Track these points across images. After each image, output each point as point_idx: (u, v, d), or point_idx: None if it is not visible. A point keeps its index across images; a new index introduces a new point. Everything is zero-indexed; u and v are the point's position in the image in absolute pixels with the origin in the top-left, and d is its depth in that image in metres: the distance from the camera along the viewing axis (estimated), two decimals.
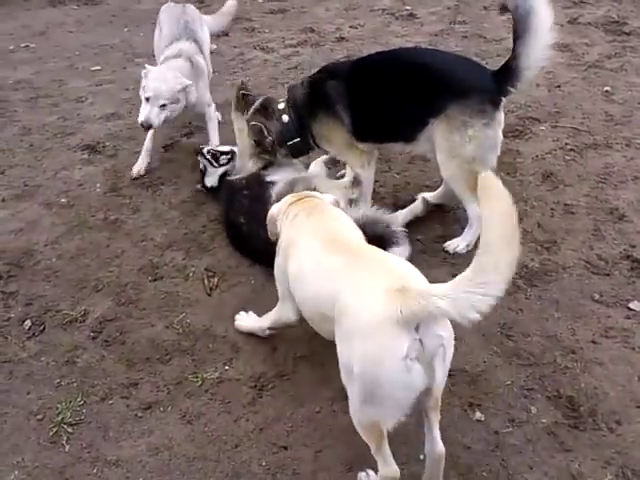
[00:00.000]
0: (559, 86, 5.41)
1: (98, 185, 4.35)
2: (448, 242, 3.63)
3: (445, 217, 3.86)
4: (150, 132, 4.44)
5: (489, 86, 3.35)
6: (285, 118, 3.59)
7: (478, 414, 2.66)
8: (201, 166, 4.09)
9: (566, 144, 4.55)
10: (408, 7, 7.37)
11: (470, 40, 6.44)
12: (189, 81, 4.27)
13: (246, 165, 3.73)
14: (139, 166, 4.43)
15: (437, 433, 2.28)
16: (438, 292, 1.99)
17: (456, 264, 3.48)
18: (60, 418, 2.75)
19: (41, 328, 3.22)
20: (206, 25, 5.11)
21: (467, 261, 3.43)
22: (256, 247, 3.37)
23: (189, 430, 2.69)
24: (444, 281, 3.26)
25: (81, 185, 4.36)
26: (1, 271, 3.59)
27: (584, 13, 6.97)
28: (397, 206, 3.92)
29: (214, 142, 4.54)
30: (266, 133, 3.55)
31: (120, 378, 2.93)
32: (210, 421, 2.72)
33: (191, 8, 5.05)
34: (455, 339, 2.94)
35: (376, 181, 4.17)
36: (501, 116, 3.43)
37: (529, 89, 5.33)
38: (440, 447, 2.29)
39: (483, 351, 2.95)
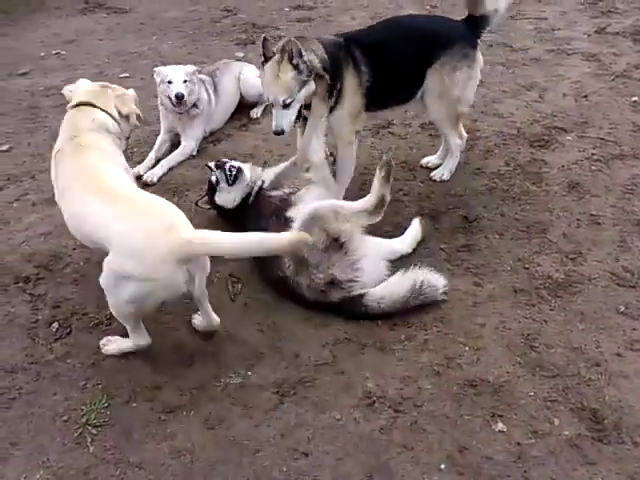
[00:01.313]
0: (586, 96, 5.38)
1: None
2: (434, 172, 4.35)
3: (469, 227, 3.84)
4: (158, 141, 4.88)
5: (467, 34, 3.97)
6: (321, 48, 3.60)
7: (500, 425, 2.65)
8: (213, 179, 3.87)
9: (592, 154, 4.52)
10: None
11: (496, 49, 6.42)
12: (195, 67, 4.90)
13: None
14: (153, 174, 4.58)
15: (209, 307, 3.08)
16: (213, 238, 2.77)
17: (479, 273, 3.48)
18: (85, 420, 2.79)
19: (68, 331, 3.27)
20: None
21: (491, 270, 3.47)
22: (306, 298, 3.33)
23: (211, 434, 2.71)
24: (467, 292, 3.30)
25: None
26: (30, 274, 3.66)
27: (612, 23, 6.93)
28: (422, 215, 3.93)
29: (147, 165, 4.69)
30: (306, 51, 3.46)
31: (144, 381, 2.97)
32: (232, 426, 2.74)
33: (237, 65, 5.61)
34: (478, 349, 2.98)
35: (400, 189, 4.22)
36: (480, 56, 4.05)
37: (556, 99, 5.31)
38: (215, 318, 3.11)
39: (506, 362, 2.94)
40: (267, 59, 3.50)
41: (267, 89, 3.57)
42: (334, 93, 3.68)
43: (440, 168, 4.35)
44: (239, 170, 3.81)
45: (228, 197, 3.82)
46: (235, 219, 3.81)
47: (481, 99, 5.39)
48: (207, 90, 5.01)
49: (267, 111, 5.41)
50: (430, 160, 4.51)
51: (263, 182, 3.83)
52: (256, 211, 3.69)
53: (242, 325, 3.25)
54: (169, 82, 4.67)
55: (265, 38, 3.52)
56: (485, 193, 4.16)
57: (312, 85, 3.55)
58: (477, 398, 2.77)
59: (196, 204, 4.02)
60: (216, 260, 3.65)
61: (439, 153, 4.49)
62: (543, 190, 4.16)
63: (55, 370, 3.06)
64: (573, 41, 6.55)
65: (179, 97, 4.63)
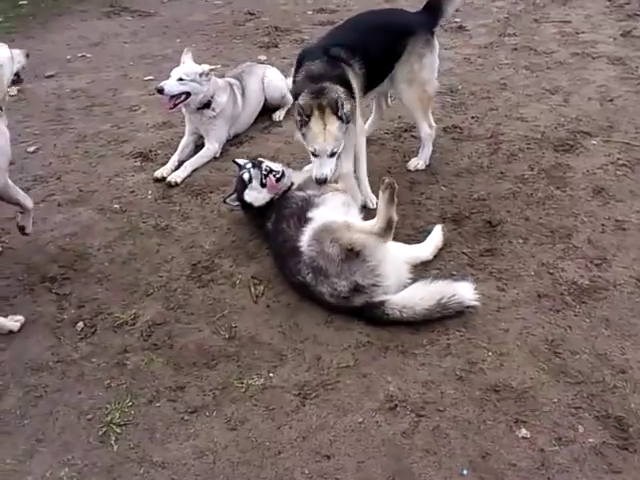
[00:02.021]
0: (611, 100, 5.33)
1: (150, 192, 4.45)
2: (409, 162, 4.55)
3: (492, 232, 3.82)
4: (181, 143, 4.89)
5: (427, 22, 4.28)
6: (338, 87, 3.74)
7: (524, 431, 2.63)
8: (246, 177, 3.84)
9: (618, 159, 4.47)
10: (457, 19, 7.36)
11: (520, 52, 6.39)
12: (211, 66, 4.87)
13: None
14: (177, 175, 4.60)
15: None
16: None
17: (503, 278, 3.46)
18: (109, 418, 2.82)
19: (93, 330, 3.31)
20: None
21: (515, 275, 3.45)
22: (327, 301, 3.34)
23: (233, 435, 2.73)
24: (490, 297, 3.28)
25: (133, 192, 4.47)
26: (56, 273, 3.71)
27: (638, 26, 6.87)
28: (444, 219, 3.93)
29: (171, 167, 4.70)
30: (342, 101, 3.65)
31: (168, 381, 2.99)
32: (254, 427, 2.75)
33: (260, 67, 5.64)
34: (501, 355, 2.97)
35: (422, 193, 4.22)
36: (437, 43, 4.37)
37: (580, 103, 5.27)
38: None
39: (530, 367, 2.92)
40: (308, 117, 3.64)
41: (314, 142, 3.65)
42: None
43: (415, 158, 4.56)
44: (282, 174, 3.84)
45: (258, 196, 3.83)
46: (259, 217, 3.84)
47: (505, 103, 5.37)
48: (235, 93, 5.03)
49: (289, 114, 5.44)
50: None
51: (292, 184, 3.86)
52: (278, 211, 3.70)
53: (264, 327, 3.27)
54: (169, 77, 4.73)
55: (300, 105, 3.68)
56: (509, 197, 4.13)
57: (350, 125, 3.76)
58: (500, 403, 2.75)
59: (224, 201, 4.04)
60: (239, 262, 3.70)
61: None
62: (568, 195, 4.13)
63: (80, 369, 3.10)
64: (598, 44, 6.49)
65: (158, 89, 4.67)
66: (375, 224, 3.27)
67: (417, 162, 4.53)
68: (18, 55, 3.74)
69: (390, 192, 3.20)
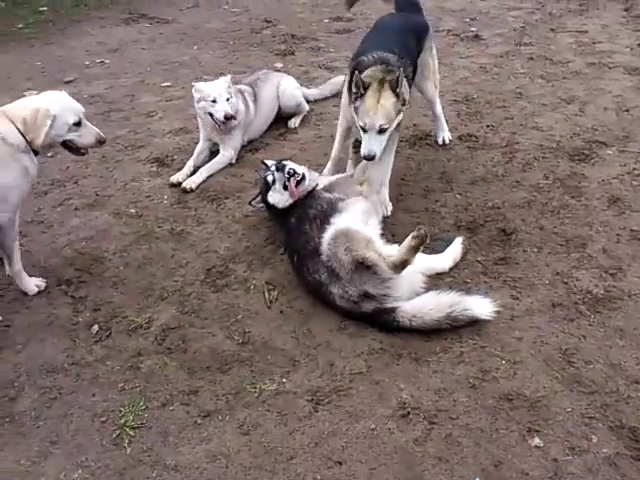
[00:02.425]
0: (627, 110, 5.31)
1: (165, 197, 4.49)
2: (438, 137, 4.97)
3: (507, 240, 3.82)
4: (197, 149, 4.93)
5: (425, 20, 4.66)
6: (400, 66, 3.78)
7: (537, 440, 2.62)
8: (270, 178, 3.83)
9: (634, 169, 4.46)
10: (474, 29, 7.37)
11: (536, 62, 6.39)
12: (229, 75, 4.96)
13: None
14: (192, 181, 4.63)
15: None
16: None
17: (517, 286, 3.45)
18: (123, 421, 2.84)
19: (107, 333, 3.34)
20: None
21: (529, 284, 3.44)
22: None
23: (246, 440, 2.74)
24: (504, 305, 3.28)
25: (149, 196, 4.51)
26: (72, 276, 3.74)
27: None
28: (458, 227, 3.93)
29: (186, 172, 4.73)
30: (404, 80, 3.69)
31: (181, 385, 3.01)
32: (266, 432, 2.76)
33: (276, 76, 5.66)
34: (514, 363, 2.96)
35: (437, 200, 4.22)
36: None
37: (596, 112, 5.26)
38: None
39: (543, 376, 2.90)
40: (365, 89, 3.64)
41: (365, 115, 3.64)
42: None
43: (439, 132, 4.98)
44: (303, 177, 3.84)
45: (281, 198, 3.83)
46: (283, 218, 3.85)
47: (520, 112, 5.37)
48: (247, 100, 5.07)
49: (304, 121, 5.47)
50: None
51: (317, 185, 3.88)
52: (302, 210, 3.70)
53: (277, 332, 3.28)
54: (213, 101, 4.69)
55: (355, 74, 3.68)
56: (523, 206, 4.13)
57: (401, 115, 3.76)
58: (513, 412, 2.75)
59: (249, 203, 4.08)
60: (253, 268, 3.71)
61: None
62: (583, 204, 4.11)
63: (95, 372, 3.12)
64: (615, 54, 6.48)
65: (229, 117, 4.68)
66: (391, 257, 3.25)
67: (442, 135, 4.95)
68: (74, 114, 3.57)
69: (419, 242, 3.17)
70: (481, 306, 3.19)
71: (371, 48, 3.93)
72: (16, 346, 3.28)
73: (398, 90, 3.61)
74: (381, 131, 3.64)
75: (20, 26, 8.38)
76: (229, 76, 4.93)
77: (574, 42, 6.87)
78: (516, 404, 2.78)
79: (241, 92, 5.07)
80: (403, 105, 3.72)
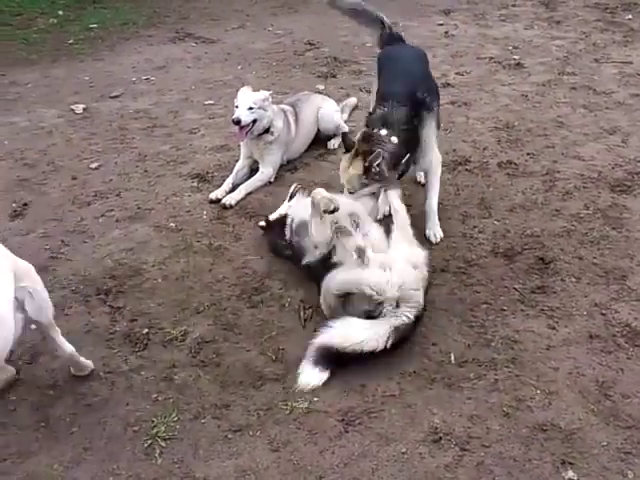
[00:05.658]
0: None
1: (205, 212, 4.55)
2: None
3: (545, 269, 3.78)
4: (236, 167, 4.99)
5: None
6: (394, 139, 3.74)
7: (571, 473, 2.58)
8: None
9: None
10: (516, 57, 7.35)
11: (578, 91, 6.34)
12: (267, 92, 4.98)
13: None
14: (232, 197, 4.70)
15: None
16: None
17: (554, 316, 3.42)
18: (155, 431, 2.87)
19: (144, 344, 3.38)
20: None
21: (566, 314, 3.39)
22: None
23: (275, 457, 2.74)
24: (540, 334, 3.24)
25: (189, 211, 4.57)
26: (111, 287, 3.81)
27: None
28: (496, 253, 3.91)
29: (225, 189, 4.79)
30: (380, 159, 3.64)
31: (213, 399, 3.03)
32: (296, 450, 2.76)
33: (317, 97, 5.76)
34: (550, 393, 2.91)
35: (474, 226, 4.20)
36: None
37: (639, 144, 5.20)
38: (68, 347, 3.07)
39: (579, 408, 2.86)
40: (347, 149, 3.81)
41: (340, 172, 3.85)
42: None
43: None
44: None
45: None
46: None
47: (561, 141, 5.33)
48: (289, 119, 5.13)
49: None
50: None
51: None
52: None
53: None
54: (236, 106, 4.81)
55: (345, 134, 3.92)
56: (563, 235, 4.08)
57: (376, 186, 3.79)
58: (547, 443, 2.70)
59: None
60: (289, 285, 3.73)
61: None
62: (623, 236, 4.05)
63: (129, 381, 3.17)
64: None
65: (235, 122, 4.74)
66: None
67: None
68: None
69: None
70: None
71: (388, 96, 3.92)
72: (54, 352, 3.34)
73: (368, 166, 3.63)
74: (351, 192, 3.78)
75: (71, 42, 8.61)
76: (270, 92, 5.00)
77: (618, 73, 6.80)
78: (550, 435, 2.74)
79: (283, 111, 5.13)
80: (379, 179, 3.71)
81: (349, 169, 3.73)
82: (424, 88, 3.98)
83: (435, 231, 4.11)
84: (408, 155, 3.85)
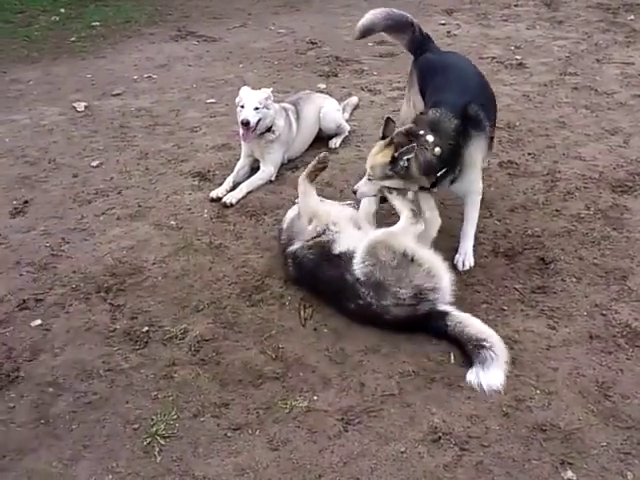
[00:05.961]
0: None
1: (205, 210, 4.55)
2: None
3: (545, 269, 3.78)
4: (237, 165, 4.98)
5: None
6: (437, 151, 3.51)
7: (570, 473, 2.57)
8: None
9: None
10: (518, 57, 7.35)
11: (580, 92, 6.33)
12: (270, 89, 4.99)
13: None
14: (233, 196, 4.69)
15: None
16: None
17: (554, 316, 3.41)
18: (154, 430, 2.87)
19: (144, 342, 3.38)
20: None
21: (566, 314, 3.39)
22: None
23: (275, 455, 2.74)
24: (540, 334, 3.23)
25: (190, 209, 4.58)
26: (111, 284, 3.81)
27: None
28: (497, 253, 3.91)
29: (226, 188, 4.78)
30: (412, 155, 3.47)
31: (213, 397, 3.03)
32: (296, 449, 2.76)
33: (319, 97, 5.71)
34: (549, 393, 2.92)
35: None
36: None
37: None
38: None
39: (579, 408, 2.86)
40: (384, 136, 3.63)
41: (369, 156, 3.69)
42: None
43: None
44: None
45: None
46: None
47: (563, 141, 5.33)
48: (290, 118, 5.13)
49: (345, 141, 5.51)
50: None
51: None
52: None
53: (311, 350, 3.28)
54: (242, 106, 4.78)
55: (389, 119, 3.65)
56: (563, 235, 4.08)
57: (399, 183, 3.58)
58: (546, 443, 2.70)
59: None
60: (289, 284, 3.74)
61: None
62: (624, 236, 4.05)
63: (129, 379, 3.16)
64: None
65: (244, 123, 4.70)
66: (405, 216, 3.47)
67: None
68: None
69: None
70: (490, 378, 3.02)
71: (441, 103, 3.70)
72: (54, 350, 3.35)
73: (397, 154, 3.44)
74: (369, 179, 3.64)
75: (73, 39, 8.63)
76: (270, 89, 4.99)
77: (620, 73, 6.80)
78: (550, 435, 2.74)
79: (285, 110, 5.13)
80: (400, 175, 3.51)
81: (377, 155, 3.57)
82: (480, 101, 3.78)
83: (465, 259, 3.86)
84: (445, 170, 3.62)
